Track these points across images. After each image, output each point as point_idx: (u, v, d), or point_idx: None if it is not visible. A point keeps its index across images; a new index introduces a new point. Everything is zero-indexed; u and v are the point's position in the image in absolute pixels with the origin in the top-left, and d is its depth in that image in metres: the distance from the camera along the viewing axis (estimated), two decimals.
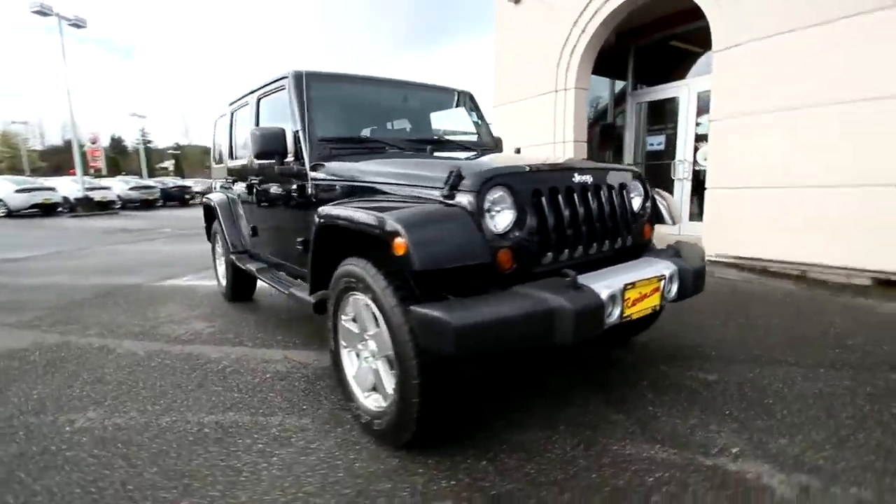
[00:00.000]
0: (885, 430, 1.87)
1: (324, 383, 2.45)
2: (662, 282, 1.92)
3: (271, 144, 2.53)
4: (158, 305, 4.10)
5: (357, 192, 2.14)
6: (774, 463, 1.68)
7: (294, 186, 2.61)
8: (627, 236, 2.14)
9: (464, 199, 1.67)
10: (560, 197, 1.86)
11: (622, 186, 2.15)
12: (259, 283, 4.22)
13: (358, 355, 2.03)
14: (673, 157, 6.64)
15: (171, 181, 24.85)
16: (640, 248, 2.27)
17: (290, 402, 2.24)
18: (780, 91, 4.35)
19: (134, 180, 22.18)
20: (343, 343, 2.06)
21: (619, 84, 7.80)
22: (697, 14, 5.46)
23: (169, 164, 55.44)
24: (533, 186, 1.79)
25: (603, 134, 7.65)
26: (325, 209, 2.01)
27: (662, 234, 3.55)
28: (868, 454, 1.72)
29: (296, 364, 2.71)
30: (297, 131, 2.56)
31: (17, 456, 1.85)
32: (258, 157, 2.61)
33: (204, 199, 4.42)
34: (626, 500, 1.52)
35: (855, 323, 3.14)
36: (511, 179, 1.74)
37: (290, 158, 2.59)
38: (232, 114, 3.79)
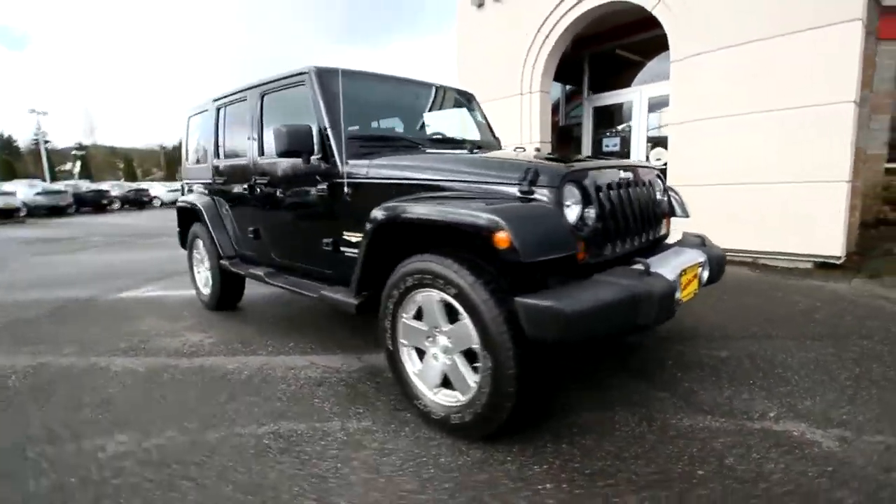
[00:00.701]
0: (879, 387, 2.20)
1: (366, 386, 2.40)
2: (700, 268, 2.12)
3: (298, 142, 2.43)
4: (132, 319, 3.75)
5: (410, 189, 2.12)
6: (809, 421, 1.92)
7: (323, 185, 2.52)
8: (659, 228, 2.33)
9: (542, 194, 1.74)
10: (612, 192, 1.99)
11: (651, 182, 2.34)
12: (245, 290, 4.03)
13: (421, 352, 2.03)
14: (628, 158, 7.14)
15: (86, 185, 22.34)
16: (662, 239, 2.48)
17: (341, 407, 2.18)
18: (729, 98, 4.86)
19: (41, 184, 19.71)
20: (403, 341, 2.05)
21: (569, 89, 8.25)
22: (647, 26, 5.95)
23: (72, 165, 49.78)
24: (594, 182, 1.91)
25: (561, 136, 8.04)
26: (388, 207, 1.98)
27: None
28: (876, 407, 2.02)
29: (326, 369, 2.62)
30: (326, 129, 2.49)
31: (55, 489, 1.65)
32: (283, 155, 2.50)
33: (180, 202, 4.10)
34: (705, 464, 1.67)
35: (813, 300, 3.62)
36: (579, 176, 1.84)
37: (316, 156, 2.51)
38: (218, 110, 3.57)
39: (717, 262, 2.29)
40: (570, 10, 6.09)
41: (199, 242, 3.92)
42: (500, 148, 3.50)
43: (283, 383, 2.46)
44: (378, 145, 2.58)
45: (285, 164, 2.79)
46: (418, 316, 2.00)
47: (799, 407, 2.04)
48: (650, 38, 6.55)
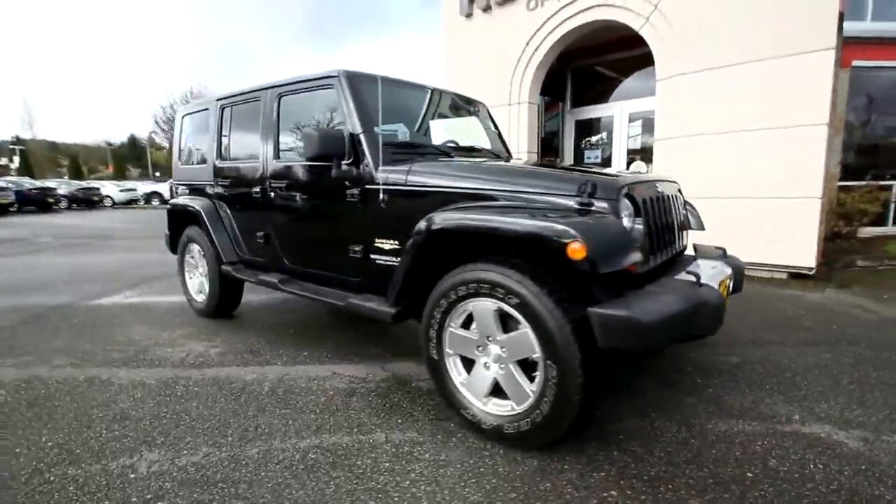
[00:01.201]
0: (881, 390, 2.38)
1: (399, 396, 2.36)
2: (729, 279, 2.23)
3: (330, 147, 2.38)
4: (120, 327, 3.51)
5: (455, 199, 2.11)
6: (831, 423, 2.06)
7: (354, 191, 2.47)
8: (682, 240, 2.44)
9: (601, 207, 1.79)
10: (653, 205, 2.07)
11: (676, 196, 2.45)
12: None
13: (467, 362, 2.02)
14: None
15: (28, 182, 20.72)
16: (683, 251, 2.59)
17: (380, 418, 2.14)
18: (712, 117, 5.15)
19: None
20: (449, 351, 2.04)
21: (547, 100, 8.46)
22: (631, 44, 6.23)
23: (10, 161, 46.02)
24: (641, 196, 1.98)
25: (544, 146, 8.23)
26: (442, 216, 1.96)
27: None
28: (884, 408, 2.18)
29: (351, 379, 2.56)
30: (359, 134, 2.45)
31: None
32: (313, 159, 2.45)
33: (171, 204, 3.89)
34: (752, 466, 1.75)
35: (797, 308, 3.87)
36: (632, 189, 1.91)
37: (346, 161, 2.46)
38: (222, 110, 3.43)
39: (739, 274, 2.43)
40: (559, 24, 6.27)
41: (194, 247, 3.74)
42: (510, 157, 3.55)
43: (310, 394, 2.38)
44: (408, 152, 2.56)
45: (309, 168, 2.71)
46: (465, 325, 2.00)
47: (817, 410, 2.18)
48: (631, 57, 6.86)
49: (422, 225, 2.02)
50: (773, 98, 4.72)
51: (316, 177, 2.69)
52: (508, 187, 2.02)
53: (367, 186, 2.42)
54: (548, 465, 1.78)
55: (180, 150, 3.99)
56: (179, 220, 3.92)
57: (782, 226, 4.82)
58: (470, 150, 3.03)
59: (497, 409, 1.92)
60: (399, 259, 2.31)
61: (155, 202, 21.41)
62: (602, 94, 7.82)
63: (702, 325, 1.70)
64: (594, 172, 2.08)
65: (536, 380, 1.77)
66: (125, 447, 1.91)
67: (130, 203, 21.90)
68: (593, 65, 7.70)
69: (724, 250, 2.51)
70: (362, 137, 2.44)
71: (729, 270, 2.25)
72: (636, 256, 1.70)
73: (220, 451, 1.88)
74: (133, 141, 61.34)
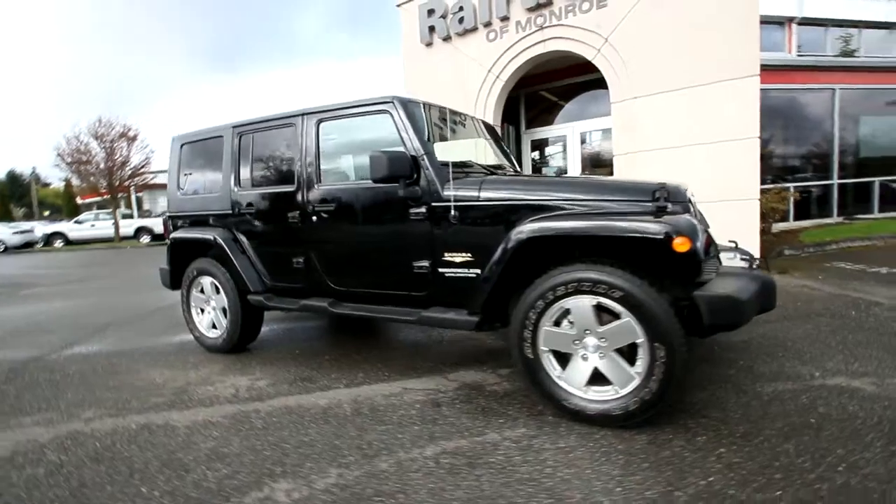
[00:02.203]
0: (864, 346, 2.93)
1: (481, 400, 2.48)
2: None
3: (398, 168, 2.49)
4: (130, 373, 3.23)
5: (532, 211, 2.32)
6: (844, 376, 2.52)
7: (419, 210, 2.59)
8: None
9: (675, 209, 2.10)
10: (694, 206, 2.44)
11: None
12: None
13: (560, 356, 2.21)
14: None
15: None
16: None
17: (480, 421, 2.24)
18: (665, 133, 5.89)
19: None
20: (543, 348, 2.21)
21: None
22: (581, 71, 6.94)
23: None
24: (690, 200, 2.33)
25: None
26: (536, 225, 2.16)
27: None
28: (875, 361, 2.70)
29: (426, 392, 2.62)
30: (421, 156, 2.58)
31: None
32: (380, 181, 2.53)
33: (177, 237, 3.67)
34: (811, 414, 2.11)
35: None
36: (691, 193, 2.25)
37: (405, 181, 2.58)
38: (240, 137, 3.37)
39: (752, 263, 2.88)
40: (518, 54, 6.81)
41: (205, 280, 3.57)
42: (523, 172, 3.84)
43: (398, 409, 2.41)
44: (458, 172, 2.73)
45: (365, 190, 2.78)
46: (556, 323, 2.20)
47: (828, 367, 2.64)
48: (583, 82, 7.61)
49: (518, 234, 2.20)
50: (715, 116, 5.53)
51: (374, 198, 2.76)
52: (582, 196, 2.28)
53: (435, 204, 2.56)
54: (655, 437, 2.01)
55: (178, 179, 3.80)
56: (184, 253, 3.72)
57: (730, 224, 5.59)
58: (497, 167, 3.27)
59: (598, 395, 2.13)
60: (473, 270, 2.47)
61: (59, 243, 19.05)
62: (552, 115, 8.51)
63: (769, 300, 2.05)
64: (648, 182, 2.41)
65: (640, 362, 2.01)
66: (246, 482, 1.84)
67: (27, 246, 19.28)
68: (546, 89, 8.38)
69: (735, 243, 2.96)
70: (425, 158, 2.59)
71: (744, 258, 2.68)
72: (713, 247, 2.03)
73: (350, 470, 1.89)
74: (13, 177, 54.02)
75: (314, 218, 2.98)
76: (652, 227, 1.92)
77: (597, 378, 2.14)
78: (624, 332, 2.02)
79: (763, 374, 2.59)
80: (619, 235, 2.00)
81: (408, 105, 2.71)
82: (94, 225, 19.60)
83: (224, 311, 3.51)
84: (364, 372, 2.99)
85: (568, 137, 8.01)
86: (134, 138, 19.30)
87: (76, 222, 20.19)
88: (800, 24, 13.30)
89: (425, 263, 2.62)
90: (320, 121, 2.98)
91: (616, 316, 2.05)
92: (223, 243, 3.35)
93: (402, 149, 2.62)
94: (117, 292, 7.06)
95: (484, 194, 2.47)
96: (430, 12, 7.38)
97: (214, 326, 3.63)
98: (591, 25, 6.16)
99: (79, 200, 29.73)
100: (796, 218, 9.10)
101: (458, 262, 2.55)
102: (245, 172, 3.36)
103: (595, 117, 7.64)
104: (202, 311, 3.70)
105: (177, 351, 3.71)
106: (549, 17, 6.46)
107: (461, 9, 7.07)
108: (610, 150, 7.51)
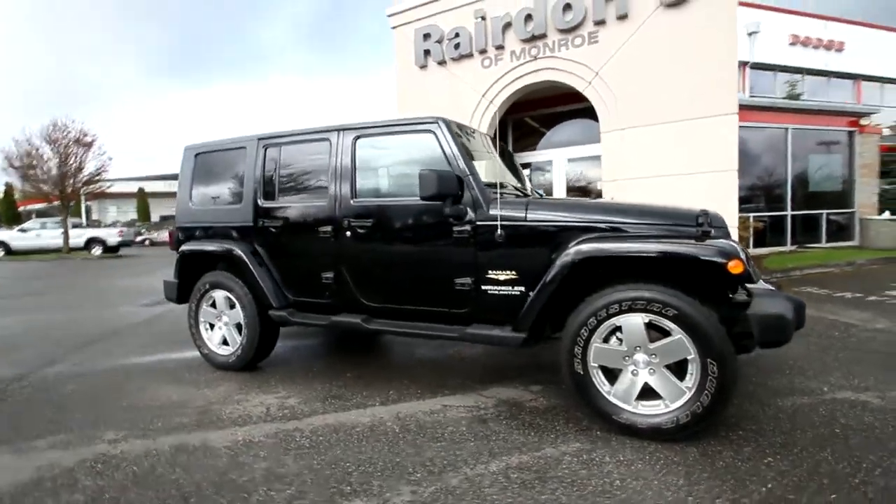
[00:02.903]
0: (856, 363, 3.20)
1: (527, 416, 2.52)
2: None
3: (447, 187, 2.55)
4: (140, 392, 3.05)
5: (578, 232, 2.43)
6: (850, 390, 2.75)
7: (464, 228, 2.64)
8: None
9: (717, 234, 2.28)
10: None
11: None
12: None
13: (609, 372, 2.30)
14: None
15: None
16: None
17: (533, 437, 2.28)
18: (651, 163, 6.26)
19: None
20: (593, 364, 2.30)
21: None
22: (571, 100, 7.30)
23: None
24: None
25: None
26: (594, 246, 2.26)
27: None
28: (869, 376, 2.96)
29: (466, 409, 2.64)
30: (467, 175, 2.66)
31: None
32: (428, 198, 2.57)
33: (190, 248, 3.53)
34: (835, 425, 2.30)
35: None
36: None
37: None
38: (265, 149, 3.33)
39: None
40: (512, 81, 7.09)
41: (218, 294, 3.44)
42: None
43: (446, 426, 2.41)
44: (493, 192, 2.81)
45: (407, 206, 2.81)
46: (606, 340, 2.30)
47: (832, 382, 2.88)
48: (571, 111, 7.99)
49: (577, 254, 2.29)
50: (697, 150, 5.95)
51: (417, 215, 2.79)
52: (628, 220, 2.42)
53: (480, 223, 2.63)
54: (705, 450, 2.12)
55: (191, 190, 3.68)
56: (196, 265, 3.59)
57: None
58: (520, 189, 3.38)
59: (648, 409, 2.22)
60: (518, 288, 2.55)
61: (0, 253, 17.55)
62: (538, 140, 8.84)
63: (801, 319, 2.23)
64: (690, 208, 2.58)
65: (690, 377, 2.13)
66: (318, 502, 1.79)
67: None
68: (535, 115, 8.72)
69: None
70: (471, 178, 2.66)
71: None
72: (756, 270, 2.20)
73: (422, 486, 1.87)
74: None
75: (348, 233, 2.97)
76: (709, 251, 2.07)
77: (645, 393, 2.24)
78: (676, 348, 2.14)
79: (779, 390, 2.79)
80: (680, 258, 2.13)
81: (451, 126, 2.79)
82: (39, 234, 18.19)
83: (239, 326, 3.39)
84: (394, 389, 2.96)
85: (554, 162, 8.33)
86: (90, 144, 18.24)
87: (20, 230, 18.68)
88: (752, 68, 14.56)
89: (468, 280, 2.67)
90: (358, 137, 3.01)
91: (664, 333, 2.17)
92: (244, 256, 3.26)
93: (445, 168, 2.69)
94: (81, 306, 6.59)
95: (531, 215, 2.57)
96: (426, 36, 7.58)
97: (226, 343, 3.49)
98: (583, 59, 6.53)
99: (20, 207, 27.69)
100: (755, 245, 9.80)
101: (502, 280, 2.61)
102: (271, 185, 3.31)
103: (580, 144, 8.00)
104: (211, 326, 3.56)
105: (180, 368, 3.53)
106: (543, 48, 6.79)
107: (457, 35, 7.31)
108: (593, 176, 7.90)
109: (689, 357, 2.12)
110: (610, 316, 2.23)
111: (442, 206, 2.67)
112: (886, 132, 13.49)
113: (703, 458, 2.04)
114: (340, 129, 3.08)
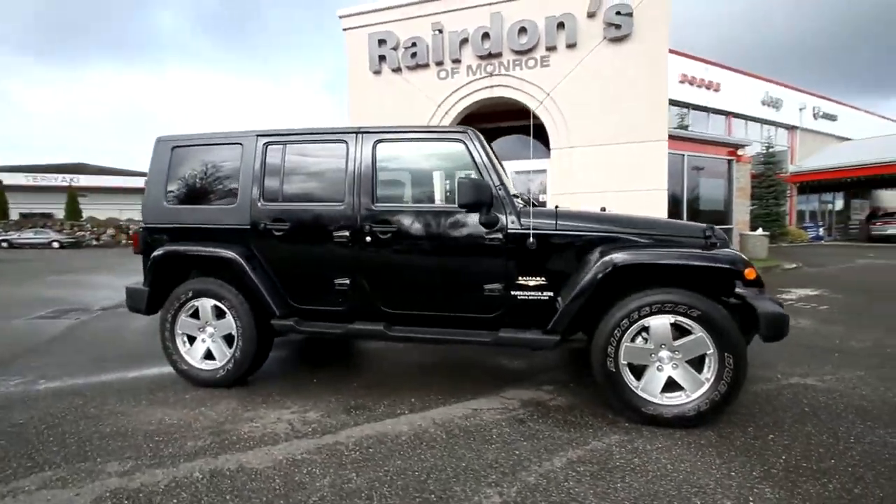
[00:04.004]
0: (801, 352, 3.86)
1: (558, 414, 2.67)
2: None
3: (483, 195, 2.64)
4: (126, 416, 2.66)
5: (602, 242, 2.66)
6: (797, 376, 3.31)
7: (495, 235, 2.73)
8: None
9: (720, 244, 2.64)
10: None
11: None
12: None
13: (635, 368, 2.54)
14: None
15: None
16: None
17: (574, 433, 2.43)
18: (594, 179, 6.89)
19: None
20: (623, 362, 2.52)
21: None
22: (517, 116, 7.75)
23: None
24: None
25: None
26: (624, 256, 2.48)
27: None
28: (825, 364, 3.59)
29: (496, 411, 2.71)
30: (499, 185, 2.76)
31: None
32: (465, 206, 2.63)
33: (171, 251, 3.14)
34: (804, 403, 2.77)
35: None
36: None
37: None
38: (265, 146, 3.12)
39: None
40: (467, 95, 7.35)
41: (205, 303, 3.12)
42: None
43: (490, 429, 2.47)
44: (515, 202, 2.95)
45: (432, 212, 2.83)
46: (632, 339, 2.54)
47: (781, 370, 3.44)
48: (522, 126, 8.44)
49: (612, 262, 2.49)
50: (635, 169, 6.68)
51: (446, 222, 2.81)
52: (647, 231, 2.71)
53: (511, 231, 2.74)
54: (720, 433, 2.43)
55: (166, 186, 3.29)
56: (174, 271, 3.21)
57: None
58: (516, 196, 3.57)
59: (671, 400, 2.50)
60: (546, 293, 2.71)
61: None
62: None
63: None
64: (696, 223, 2.92)
65: (708, 369, 2.44)
66: None
67: None
68: (487, 128, 9.03)
69: None
70: (502, 189, 2.78)
71: None
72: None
73: (504, 487, 1.92)
74: None
75: (369, 238, 2.90)
76: (735, 261, 2.40)
77: (667, 385, 2.52)
78: (698, 345, 2.44)
79: (759, 378, 3.26)
80: (712, 267, 2.43)
81: (480, 135, 2.88)
82: None
83: (229, 338, 3.11)
84: (414, 396, 2.93)
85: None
86: None
87: None
88: None
89: (497, 286, 2.76)
90: (379, 141, 2.96)
91: (685, 331, 2.47)
92: (242, 260, 3.00)
93: (475, 177, 2.77)
94: None
95: (560, 223, 2.74)
96: (381, 42, 7.54)
97: (210, 357, 3.16)
98: (536, 80, 7.00)
99: None
100: None
101: (531, 286, 2.75)
102: (273, 186, 3.09)
103: (526, 159, 8.49)
104: (190, 339, 3.20)
105: (149, 387, 3.13)
106: (499, 66, 7.15)
107: (414, 44, 7.39)
108: (535, 189, 8.42)
109: (707, 352, 2.43)
110: (641, 317, 2.47)
111: (476, 214, 2.74)
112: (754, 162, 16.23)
113: (722, 440, 2.35)
114: (358, 132, 3.00)
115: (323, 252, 2.99)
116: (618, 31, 6.46)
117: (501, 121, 8.56)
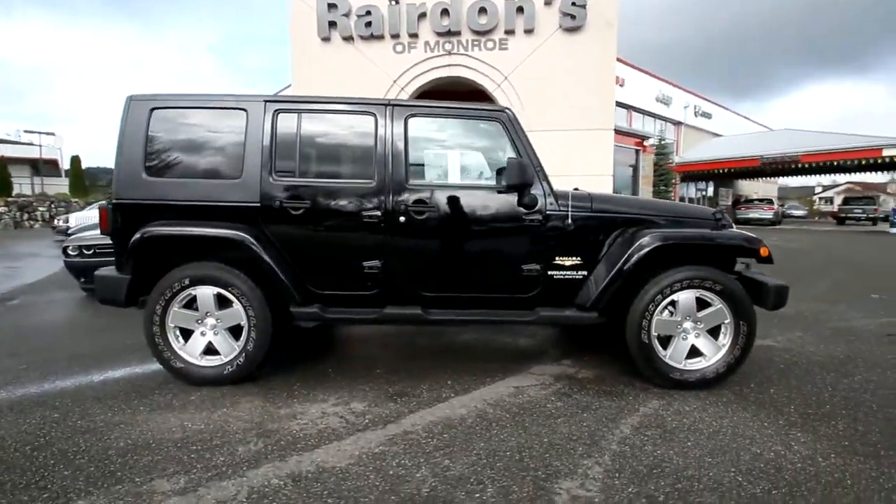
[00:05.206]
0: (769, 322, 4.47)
1: (593, 386, 2.81)
2: None
3: (529, 176, 2.66)
4: (142, 424, 2.26)
5: (628, 223, 2.83)
6: (758, 338, 3.87)
7: (535, 216, 2.76)
8: None
9: (727, 225, 2.96)
10: None
11: None
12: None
13: (661, 339, 2.78)
14: None
15: None
16: None
17: (618, 401, 2.60)
18: (548, 163, 7.18)
19: None
20: (655, 334, 2.74)
21: None
22: (476, 98, 7.77)
23: None
24: None
25: None
26: (664, 234, 2.66)
27: None
28: (795, 330, 4.20)
29: (538, 386, 2.79)
30: (537, 167, 2.79)
31: None
32: (513, 187, 2.62)
33: (162, 232, 2.67)
34: (776, 364, 3.26)
35: None
36: None
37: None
38: (275, 114, 2.78)
39: None
40: (425, 72, 7.18)
41: (203, 291, 2.74)
42: None
43: (543, 404, 2.54)
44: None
45: (474, 192, 2.77)
46: (661, 312, 2.77)
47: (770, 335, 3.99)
48: None
49: (648, 242, 2.66)
50: (583, 156, 7.11)
51: (489, 202, 2.77)
52: (668, 214, 2.93)
53: (549, 211, 2.80)
54: (736, 391, 2.76)
55: (145, 156, 2.78)
56: (163, 255, 2.76)
57: None
58: None
59: (693, 365, 2.78)
60: (581, 272, 2.83)
61: None
62: None
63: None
64: (706, 207, 3.22)
65: (724, 336, 2.75)
66: (526, 490, 1.76)
67: None
68: None
69: None
70: (540, 171, 2.80)
71: None
72: None
73: (596, 458, 2.00)
74: None
75: (402, 218, 2.75)
76: (753, 241, 2.71)
77: (692, 352, 2.79)
78: (718, 315, 2.74)
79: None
80: (734, 246, 2.71)
81: (516, 117, 2.86)
82: None
83: (236, 329, 2.77)
84: (450, 379, 2.89)
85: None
86: None
87: None
88: None
89: (536, 267, 2.81)
90: (411, 115, 2.80)
91: (704, 304, 2.75)
92: (255, 242, 2.67)
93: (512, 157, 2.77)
94: None
95: (595, 206, 2.86)
96: (332, 6, 7.02)
97: (211, 352, 2.80)
98: (494, 63, 7.06)
99: None
100: None
101: (567, 266, 2.84)
102: (287, 158, 2.77)
103: None
104: (184, 333, 2.80)
105: (137, 391, 2.70)
106: (457, 45, 7.07)
107: (368, 13, 6.99)
108: None
109: (725, 321, 2.74)
110: (673, 292, 2.70)
111: (515, 195, 2.74)
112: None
113: (740, 398, 2.68)
114: (388, 104, 2.80)
115: (350, 233, 2.78)
116: (573, 21, 6.75)
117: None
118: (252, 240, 2.67)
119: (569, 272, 2.85)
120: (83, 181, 23.18)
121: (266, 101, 2.79)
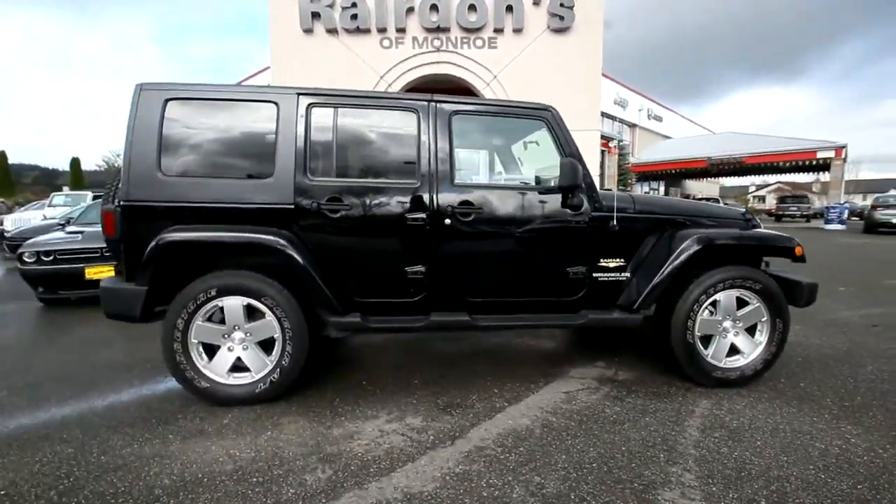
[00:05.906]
0: None
1: (638, 388, 2.81)
2: None
3: (580, 178, 2.61)
4: (180, 455, 2.00)
5: (667, 224, 2.85)
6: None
7: (580, 218, 2.71)
8: None
9: (756, 226, 3.05)
10: None
11: None
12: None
13: (702, 338, 2.81)
14: None
15: None
16: None
17: (669, 402, 2.60)
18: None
19: None
20: (698, 334, 2.77)
21: None
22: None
23: None
24: None
25: None
26: (710, 234, 2.69)
27: None
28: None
29: (586, 391, 2.75)
30: (584, 168, 2.74)
31: None
32: (565, 188, 2.56)
33: (184, 238, 2.38)
34: (796, 357, 3.40)
35: None
36: None
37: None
38: (308, 108, 2.57)
39: None
40: (413, 68, 7.00)
41: (231, 303, 2.49)
42: None
43: (601, 409, 2.49)
44: None
45: (520, 193, 2.68)
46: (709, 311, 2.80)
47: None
48: None
49: (694, 242, 2.67)
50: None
51: (538, 203, 2.69)
52: (705, 215, 2.98)
53: (596, 213, 2.76)
54: (769, 385, 2.84)
55: (160, 151, 2.48)
56: (184, 263, 2.48)
57: None
58: None
59: (733, 363, 2.83)
60: (624, 274, 2.82)
61: None
62: None
63: None
64: (736, 208, 3.28)
65: (761, 333, 2.83)
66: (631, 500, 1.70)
67: None
68: None
69: None
70: (586, 171, 2.76)
71: None
72: None
73: (682, 463, 1.98)
74: None
75: (448, 221, 2.62)
76: (789, 238, 2.79)
77: (733, 350, 2.85)
78: (756, 313, 2.81)
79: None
80: (776, 245, 2.78)
81: (560, 115, 2.80)
82: None
83: (267, 343, 2.54)
84: (496, 387, 2.79)
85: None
86: None
87: None
88: None
89: (581, 269, 2.77)
90: (455, 112, 2.67)
91: (742, 302, 2.81)
92: (291, 248, 2.45)
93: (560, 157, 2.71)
94: None
95: (638, 207, 2.85)
96: None
97: (239, 369, 2.55)
98: (483, 61, 6.99)
99: None
100: None
101: (612, 267, 2.82)
102: (323, 157, 2.57)
103: None
104: (207, 349, 2.53)
105: (158, 416, 2.42)
106: (446, 42, 6.95)
107: (354, 5, 6.74)
108: None
109: (762, 319, 2.82)
110: (716, 292, 2.74)
111: (561, 196, 2.69)
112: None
113: (778, 393, 2.76)
114: (431, 101, 2.66)
115: (393, 237, 2.62)
116: (561, 22, 6.81)
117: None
118: (288, 245, 2.45)
119: (612, 273, 2.82)
120: (10, 178, 21.05)
121: (298, 94, 2.57)
